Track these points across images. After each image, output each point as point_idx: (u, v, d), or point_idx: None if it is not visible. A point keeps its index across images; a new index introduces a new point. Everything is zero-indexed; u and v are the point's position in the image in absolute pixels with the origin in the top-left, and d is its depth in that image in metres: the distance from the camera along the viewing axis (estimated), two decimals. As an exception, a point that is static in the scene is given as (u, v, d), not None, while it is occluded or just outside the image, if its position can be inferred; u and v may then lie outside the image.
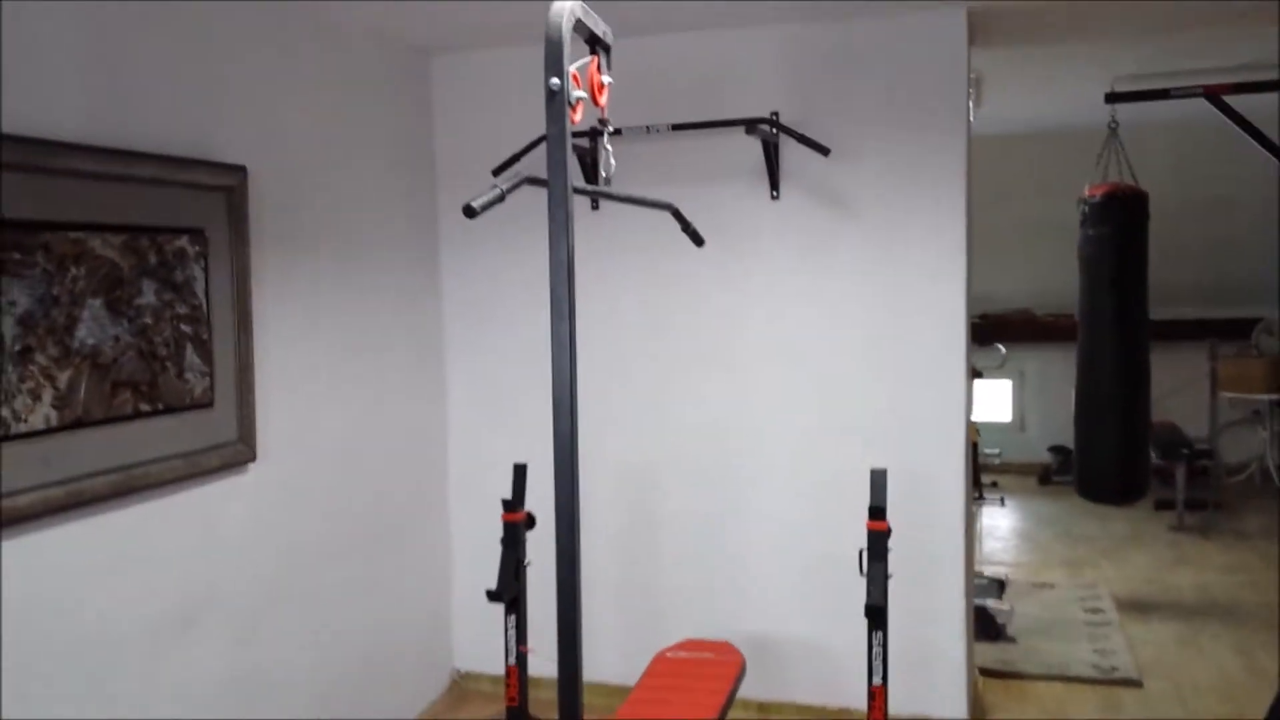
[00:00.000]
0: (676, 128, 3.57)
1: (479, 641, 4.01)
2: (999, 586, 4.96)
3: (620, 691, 3.74)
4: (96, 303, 2.46)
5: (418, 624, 3.93)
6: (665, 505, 3.88)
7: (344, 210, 3.46)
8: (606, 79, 2.07)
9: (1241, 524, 6.54)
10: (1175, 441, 6.65)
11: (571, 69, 1.87)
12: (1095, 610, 4.96)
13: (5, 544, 2.26)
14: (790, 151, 3.58)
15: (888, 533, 2.97)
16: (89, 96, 2.47)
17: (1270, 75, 4.51)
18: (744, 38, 3.62)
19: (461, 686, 4.15)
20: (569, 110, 1.85)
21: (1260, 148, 4.49)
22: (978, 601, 4.31)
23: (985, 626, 4.52)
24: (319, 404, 3.34)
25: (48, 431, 2.34)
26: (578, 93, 1.90)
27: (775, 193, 3.64)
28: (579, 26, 1.90)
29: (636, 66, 3.44)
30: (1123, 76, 4.91)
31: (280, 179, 3.13)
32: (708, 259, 3.62)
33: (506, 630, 3.36)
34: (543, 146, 3.51)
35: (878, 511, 2.98)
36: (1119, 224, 4.72)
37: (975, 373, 5.35)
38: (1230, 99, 4.30)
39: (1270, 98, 4.47)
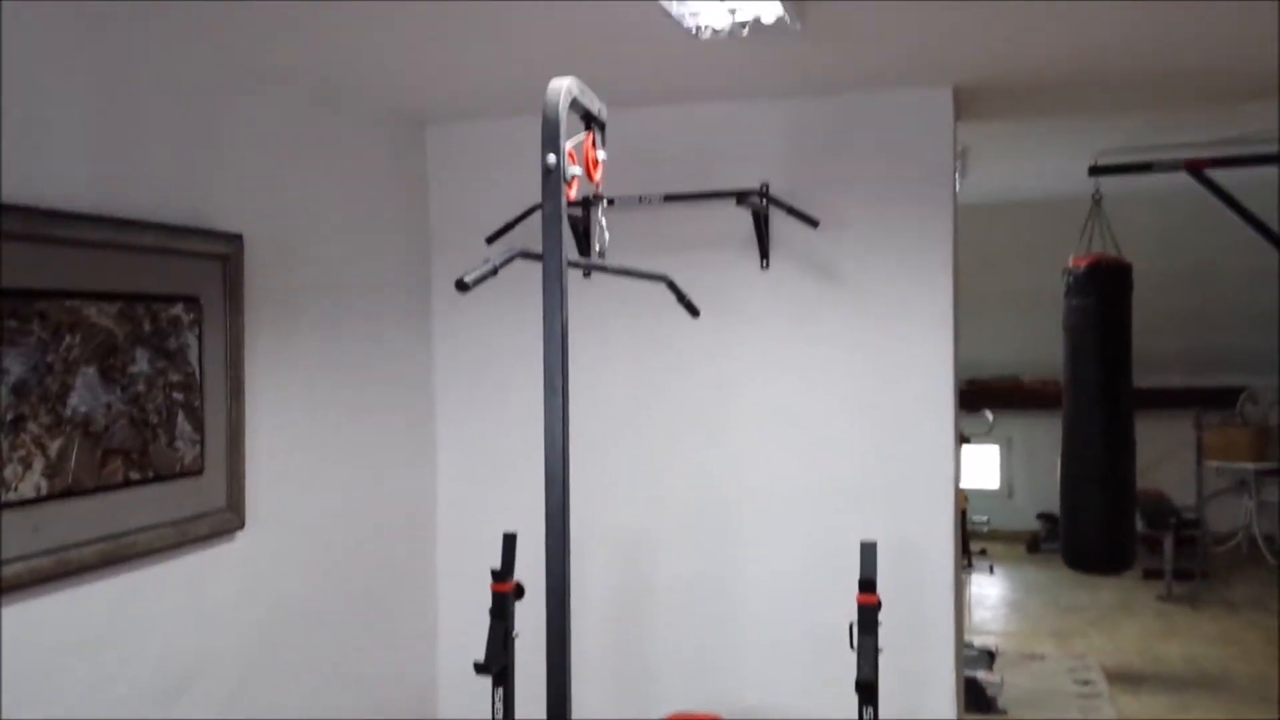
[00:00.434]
0: (669, 198, 3.61)
1: (466, 712, 3.96)
2: (989, 657, 4.93)
3: (608, 764, 3.69)
4: (90, 370, 2.47)
5: (405, 695, 3.89)
6: (655, 574, 3.86)
7: (337, 278, 3.48)
8: (601, 155, 2.10)
9: (1230, 594, 6.54)
10: (1162, 510, 6.67)
11: (567, 146, 1.91)
12: (1085, 681, 4.93)
13: (-9, 614, 2.24)
14: (780, 222, 3.63)
15: (878, 606, 2.96)
16: (91, 166, 2.50)
17: (1253, 150, 4.60)
18: (736, 110, 3.68)
19: (447, 758, 4.09)
20: (564, 187, 1.89)
21: (1242, 220, 4.57)
22: (968, 672, 4.29)
23: (976, 698, 4.49)
24: (308, 471, 3.33)
25: (37, 500, 2.33)
26: (573, 169, 1.94)
27: (765, 262, 3.68)
28: (575, 104, 1.94)
29: (630, 137, 3.49)
30: (1107, 150, 5.01)
31: (275, 247, 3.15)
32: (698, 327, 3.64)
33: (494, 702, 3.32)
34: (536, 214, 3.56)
35: (868, 584, 2.98)
36: (1103, 295, 4.79)
37: (963, 439, 5.37)
38: (1213, 172, 4.39)
39: (1251, 170, 4.56)
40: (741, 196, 3.53)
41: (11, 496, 2.27)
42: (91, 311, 2.47)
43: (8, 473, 2.26)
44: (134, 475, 2.59)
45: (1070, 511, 4.91)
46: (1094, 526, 4.81)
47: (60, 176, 2.41)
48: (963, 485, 4.60)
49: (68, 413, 2.41)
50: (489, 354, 4.01)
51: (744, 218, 3.65)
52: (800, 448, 3.70)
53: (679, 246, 3.75)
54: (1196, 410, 7.21)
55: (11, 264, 2.26)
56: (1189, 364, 7.59)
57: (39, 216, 2.32)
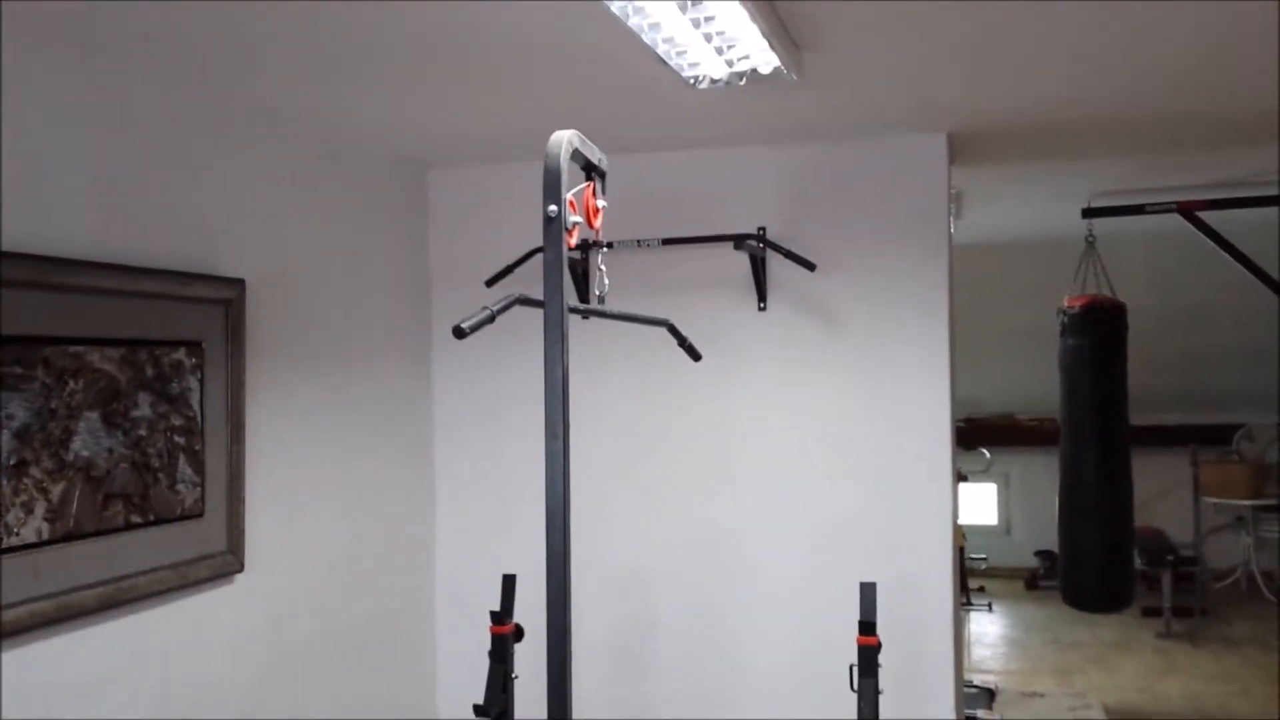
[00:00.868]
0: (667, 242, 3.65)
1: (463, 754, 3.94)
2: (989, 696, 4.92)
3: (607, 807, 3.67)
4: (93, 415, 2.48)
5: (401, 736, 3.87)
6: (653, 614, 3.86)
7: (338, 320, 3.51)
8: (601, 203, 2.14)
9: (1230, 631, 6.52)
10: (1160, 548, 6.67)
11: (568, 195, 1.94)
12: (1086, 721, 4.92)
13: (-9, 659, 2.25)
14: (777, 265, 3.66)
15: (878, 648, 2.97)
16: (96, 212, 2.52)
17: (1244, 192, 4.65)
18: (734, 156, 3.73)
19: (444, 801, 4.06)
20: (565, 235, 1.92)
21: (1234, 261, 4.61)
22: (968, 711, 4.28)
23: (975, 738, 4.48)
24: (307, 514, 3.34)
25: (39, 544, 2.34)
26: (574, 218, 1.97)
27: (763, 304, 3.71)
28: (575, 155, 1.97)
29: (629, 182, 3.53)
30: (1100, 191, 5.06)
31: (277, 291, 3.18)
32: (697, 368, 3.66)
33: (493, 744, 3.31)
34: (536, 257, 3.59)
35: (868, 626, 2.98)
36: (1098, 335, 4.82)
37: (960, 476, 5.38)
38: (1207, 214, 4.43)
39: (1243, 211, 4.61)
40: (739, 240, 3.57)
41: (13, 541, 2.28)
42: (95, 357, 2.49)
43: (10, 517, 2.27)
44: (135, 518, 2.60)
45: (1069, 550, 4.91)
46: (1093, 565, 4.81)
47: (66, 223, 2.44)
48: (961, 522, 4.61)
49: (70, 457, 2.42)
50: (488, 396, 4.02)
51: (741, 261, 3.69)
52: (798, 487, 3.71)
53: (677, 289, 3.79)
54: (1193, 447, 7.23)
55: (17, 311, 2.29)
56: (1185, 401, 7.61)
57: (45, 264, 2.34)
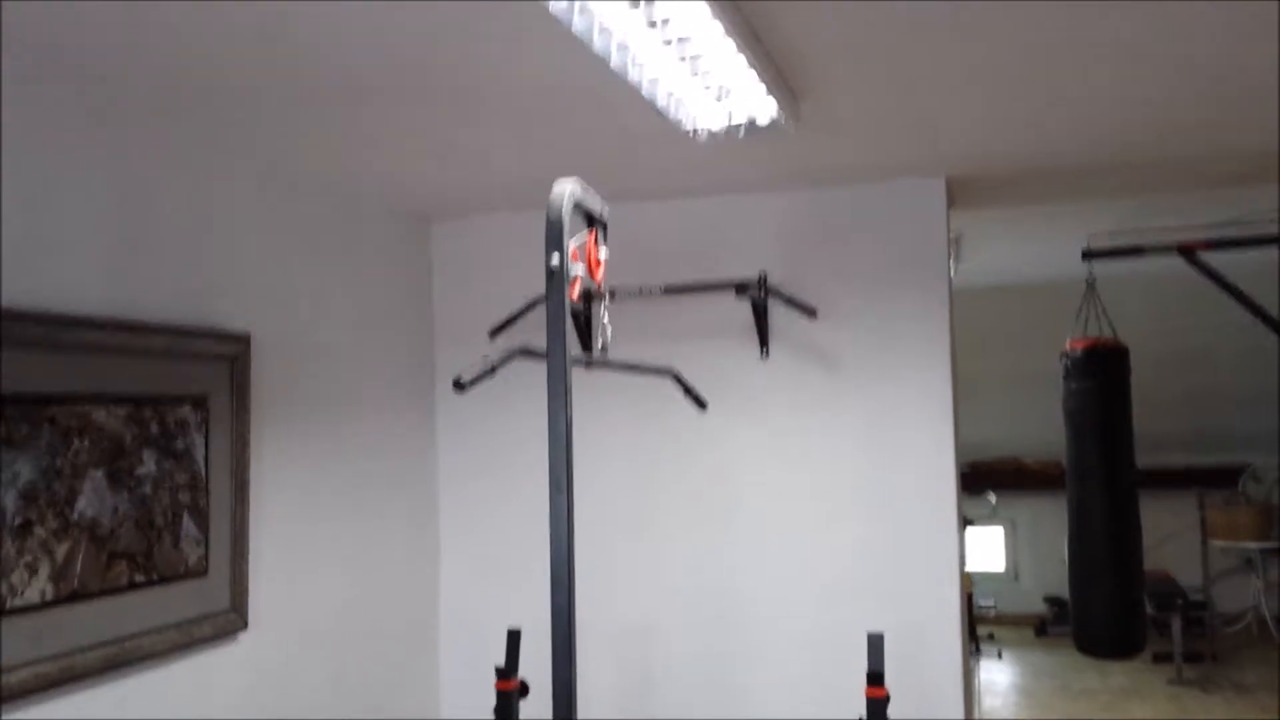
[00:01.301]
0: (668, 290, 3.66)
1: (470, 812, 3.89)
2: (1001, 745, 4.86)
3: None
4: (98, 474, 2.48)
5: (407, 794, 3.82)
6: (658, 665, 3.82)
7: (342, 374, 3.51)
8: (603, 253, 2.15)
9: (1241, 676, 6.45)
10: (1170, 592, 6.62)
11: (570, 245, 1.95)
12: (1100, 769, 4.85)
13: (-6, 722, 2.22)
14: (779, 311, 3.67)
15: (887, 699, 2.93)
16: (101, 269, 2.53)
17: (1247, 232, 4.65)
18: (734, 204, 3.75)
19: None
20: (568, 286, 1.93)
21: (1235, 301, 4.62)
22: (980, 763, 4.22)
23: (989, 789, 4.42)
24: (311, 570, 3.32)
25: (43, 606, 2.32)
26: (576, 268, 1.98)
27: (765, 351, 3.71)
28: (577, 206, 1.99)
29: (630, 230, 3.54)
30: (1099, 233, 5.08)
31: (281, 345, 3.19)
32: (699, 415, 3.66)
33: (500, 802, 3.26)
34: (539, 306, 3.60)
35: (876, 677, 2.95)
36: (1101, 378, 4.81)
37: (966, 521, 5.35)
38: (1208, 254, 4.44)
39: (1246, 251, 4.61)
40: (740, 287, 3.58)
41: (17, 602, 2.26)
42: (101, 415, 2.49)
43: (14, 579, 2.26)
44: (139, 578, 2.59)
45: (1080, 597, 4.87)
46: (1104, 611, 4.77)
47: (71, 280, 2.45)
48: (968, 568, 4.58)
49: (75, 517, 2.41)
50: (492, 448, 4.01)
51: (743, 308, 3.69)
52: (803, 535, 3.69)
53: (679, 336, 3.79)
54: (1199, 490, 7.18)
55: (23, 370, 2.29)
56: (1188, 444, 7.58)
57: (51, 323, 2.35)
